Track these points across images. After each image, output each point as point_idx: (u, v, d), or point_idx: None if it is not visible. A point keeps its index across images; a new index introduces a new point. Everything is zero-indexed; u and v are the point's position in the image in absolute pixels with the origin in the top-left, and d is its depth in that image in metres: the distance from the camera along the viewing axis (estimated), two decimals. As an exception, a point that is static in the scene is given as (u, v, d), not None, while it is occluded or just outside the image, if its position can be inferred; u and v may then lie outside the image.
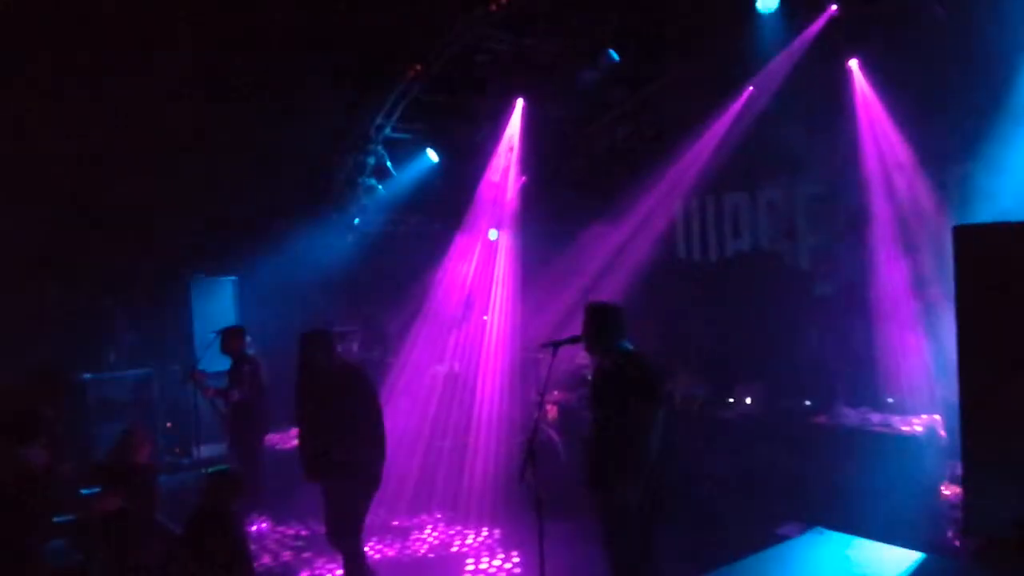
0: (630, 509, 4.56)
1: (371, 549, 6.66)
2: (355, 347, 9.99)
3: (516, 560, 6.33)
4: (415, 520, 7.40)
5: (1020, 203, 6.12)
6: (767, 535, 6.40)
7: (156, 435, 6.61)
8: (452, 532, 7.09)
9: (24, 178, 8.18)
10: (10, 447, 4.98)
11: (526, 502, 6.26)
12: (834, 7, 7.59)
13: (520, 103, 9.68)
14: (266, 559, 6.64)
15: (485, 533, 6.92)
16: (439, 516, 7.50)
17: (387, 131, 9.55)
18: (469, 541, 6.85)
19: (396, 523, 7.30)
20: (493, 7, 7.69)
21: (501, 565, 6.31)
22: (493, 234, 10.42)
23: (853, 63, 7.93)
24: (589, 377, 5.06)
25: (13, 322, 8.36)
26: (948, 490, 6.40)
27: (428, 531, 7.17)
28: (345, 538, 5.37)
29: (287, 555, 6.72)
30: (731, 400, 7.64)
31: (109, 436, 6.88)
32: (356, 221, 9.90)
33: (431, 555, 6.66)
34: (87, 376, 8.96)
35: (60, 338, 8.68)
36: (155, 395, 9.41)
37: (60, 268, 8.92)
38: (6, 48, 7.67)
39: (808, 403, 7.42)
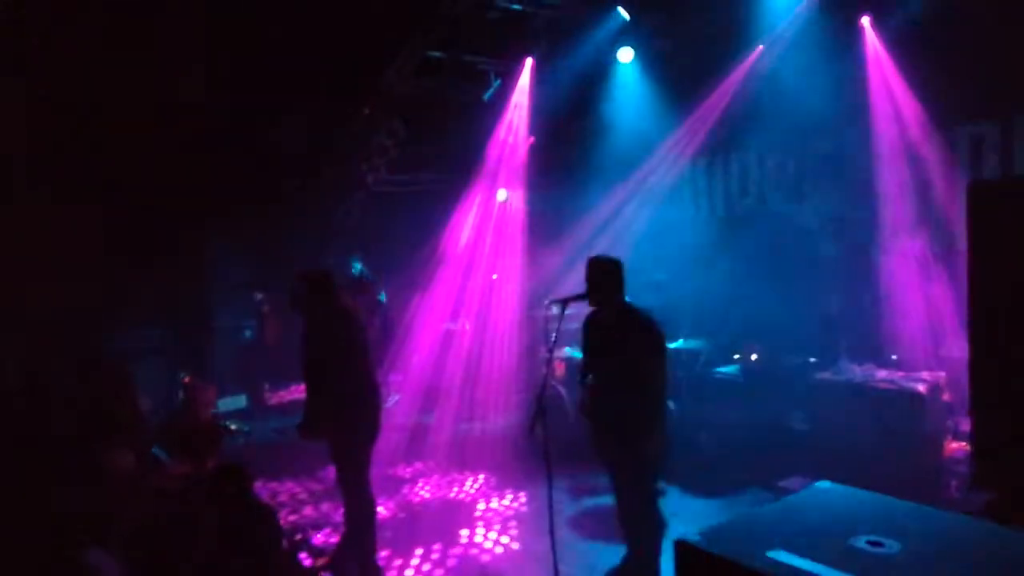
0: (653, 458, 4.69)
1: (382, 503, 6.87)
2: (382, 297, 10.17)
3: (523, 500, 6.57)
4: (415, 468, 7.62)
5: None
6: (771, 487, 6.60)
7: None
8: (454, 480, 7.32)
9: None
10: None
11: (530, 455, 6.49)
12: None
13: (529, 62, 9.67)
14: (285, 512, 6.82)
15: (482, 478, 7.11)
16: (444, 465, 7.71)
17: (397, 90, 9.55)
18: (469, 486, 7.06)
19: (397, 473, 7.52)
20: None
21: (510, 504, 6.55)
22: (502, 194, 10.49)
23: (865, 20, 7.87)
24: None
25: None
26: (953, 445, 6.53)
27: (425, 483, 7.38)
28: (346, 486, 5.34)
29: (308, 509, 6.90)
30: (736, 356, 7.75)
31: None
32: (369, 179, 9.95)
33: (444, 500, 6.86)
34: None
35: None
36: (171, 347, 9.56)
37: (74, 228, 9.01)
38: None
39: (813, 360, 7.52)
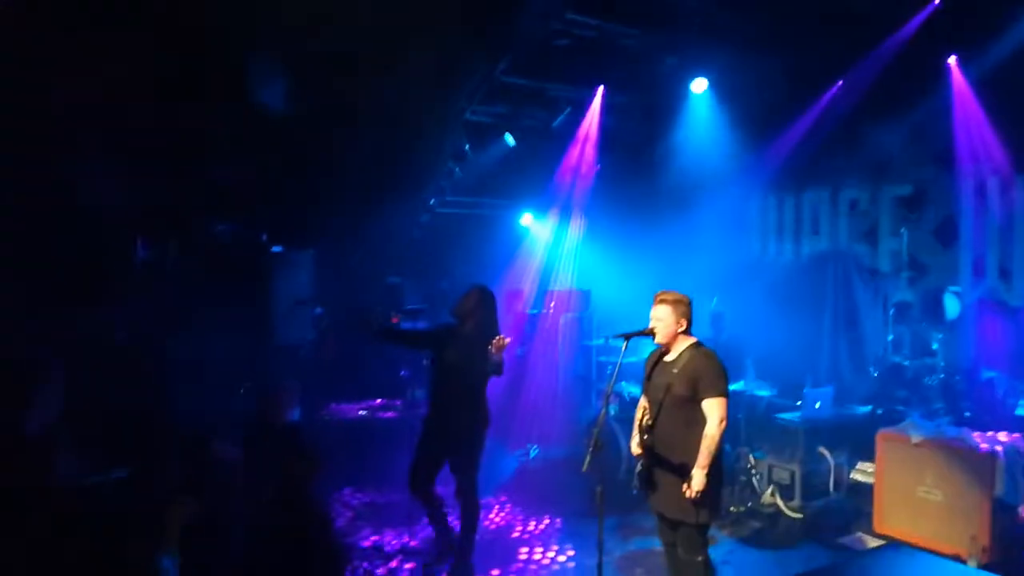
0: (707, 503, 4.53)
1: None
2: (420, 326, 10.19)
3: (571, 553, 6.37)
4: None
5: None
6: (826, 543, 6.34)
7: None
8: (515, 516, 7.21)
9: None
10: None
11: (582, 492, 6.36)
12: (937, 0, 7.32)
13: (600, 90, 9.62)
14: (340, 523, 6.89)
15: (547, 522, 6.99)
16: (504, 498, 7.61)
17: (467, 115, 9.62)
18: (531, 528, 6.93)
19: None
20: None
21: (555, 556, 6.38)
22: (527, 219, 10.47)
23: (952, 60, 7.61)
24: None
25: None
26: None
27: (495, 512, 7.30)
28: (470, 491, 5.71)
29: (353, 520, 6.93)
30: (799, 403, 7.50)
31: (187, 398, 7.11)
32: (432, 202, 10.03)
33: (490, 536, 6.76)
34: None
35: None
36: (232, 362, 9.74)
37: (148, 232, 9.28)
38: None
39: (880, 411, 7.23)
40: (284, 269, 9.96)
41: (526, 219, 10.62)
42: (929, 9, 7.45)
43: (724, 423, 4.44)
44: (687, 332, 4.64)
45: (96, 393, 7.44)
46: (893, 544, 5.40)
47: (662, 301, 4.66)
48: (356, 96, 9.06)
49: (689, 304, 4.67)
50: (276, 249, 10.02)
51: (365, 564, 6.02)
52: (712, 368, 4.51)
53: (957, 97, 7.63)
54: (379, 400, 11.48)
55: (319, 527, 4.79)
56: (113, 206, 7.99)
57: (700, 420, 4.46)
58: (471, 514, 5.77)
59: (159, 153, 8.47)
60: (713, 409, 4.43)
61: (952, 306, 7.64)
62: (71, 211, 7.67)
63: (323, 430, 10.24)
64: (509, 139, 9.85)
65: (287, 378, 8.70)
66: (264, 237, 9.96)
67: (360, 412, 11.11)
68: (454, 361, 5.72)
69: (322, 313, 10.47)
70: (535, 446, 8.54)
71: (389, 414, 10.95)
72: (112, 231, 8.25)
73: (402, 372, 10.25)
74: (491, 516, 7.16)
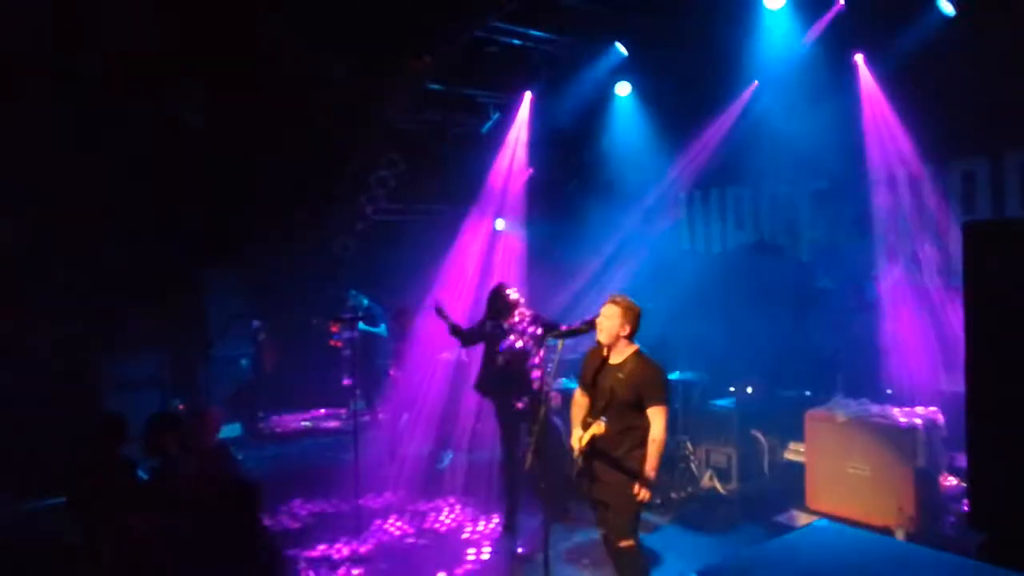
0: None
1: (380, 529, 6.87)
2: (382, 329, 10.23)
3: (519, 551, 6.45)
4: (426, 504, 7.56)
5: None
6: (764, 522, 6.60)
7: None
8: (464, 517, 7.25)
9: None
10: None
11: (527, 487, 6.47)
12: (841, 2, 7.70)
13: (528, 95, 9.80)
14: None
15: (496, 520, 7.06)
16: (452, 500, 7.65)
17: (397, 123, 9.67)
18: (480, 528, 7.00)
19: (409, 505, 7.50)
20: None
21: (502, 555, 6.45)
22: (500, 224, 10.56)
23: (859, 57, 8.01)
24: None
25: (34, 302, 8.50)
26: (947, 481, 6.53)
27: (446, 514, 7.34)
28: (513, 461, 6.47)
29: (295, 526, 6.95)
30: (731, 389, 7.78)
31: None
32: (369, 211, 10.02)
33: (440, 537, 6.81)
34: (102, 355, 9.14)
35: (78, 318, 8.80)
36: (168, 377, 9.57)
37: (73, 256, 9.06)
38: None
39: (808, 393, 7.55)
40: (217, 283, 9.87)
41: (499, 223, 10.64)
42: (834, 10, 7.84)
43: (666, 429, 4.67)
44: (630, 339, 4.79)
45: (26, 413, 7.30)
46: (821, 520, 5.64)
47: (615, 302, 4.77)
48: (282, 106, 9.03)
49: (639, 315, 4.78)
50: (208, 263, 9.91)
51: (311, 573, 6.02)
52: (657, 378, 4.70)
53: (864, 93, 8.03)
54: (323, 410, 11.43)
55: (261, 544, 4.76)
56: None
57: (640, 422, 4.66)
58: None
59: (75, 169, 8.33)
60: (657, 416, 4.63)
61: (870, 291, 8.03)
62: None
63: (267, 441, 10.16)
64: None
65: (221, 394, 8.71)
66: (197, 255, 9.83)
67: (303, 423, 11.02)
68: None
69: (259, 326, 10.38)
70: (450, 452, 8.65)
71: (333, 424, 10.92)
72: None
73: (344, 381, 10.21)
74: (440, 518, 7.21)
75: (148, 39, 7.75)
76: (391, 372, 9.21)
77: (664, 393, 4.69)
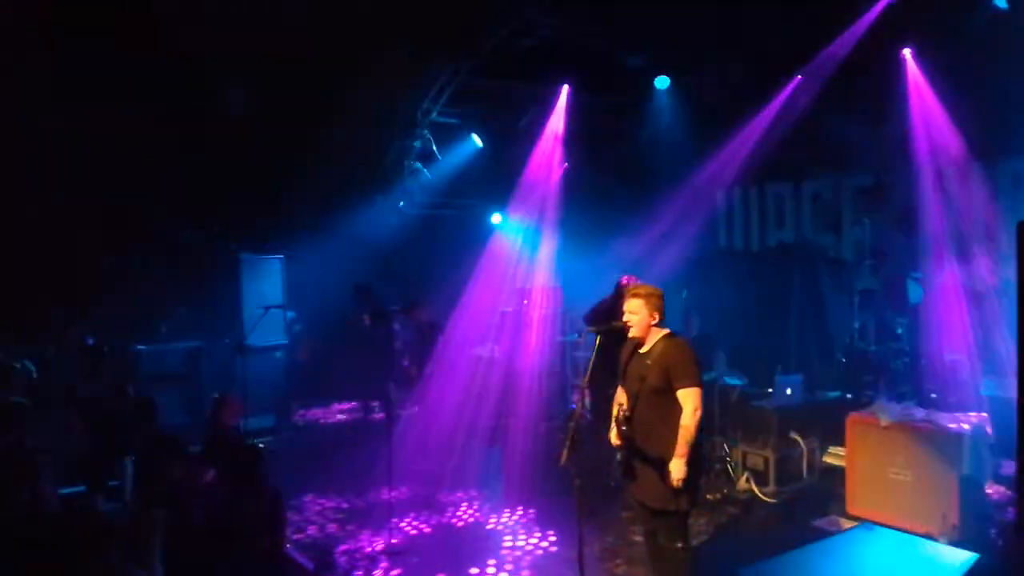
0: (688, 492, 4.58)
1: (409, 524, 6.82)
2: (396, 327, 10.17)
3: (553, 539, 6.41)
4: (452, 497, 7.52)
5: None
6: (804, 526, 6.45)
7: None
8: (488, 510, 7.20)
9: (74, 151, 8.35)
10: None
11: (562, 484, 6.38)
12: (890, -6, 7.52)
13: (565, 89, 9.71)
14: (312, 530, 6.83)
15: (520, 512, 7.02)
16: (475, 494, 7.61)
17: (433, 116, 9.64)
18: (504, 519, 6.96)
19: (437, 499, 7.46)
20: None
21: (537, 543, 6.40)
22: (497, 218, 10.53)
23: (907, 52, 7.81)
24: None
25: (66, 294, 8.64)
26: (991, 489, 6.35)
27: (464, 508, 7.29)
28: None
29: (332, 527, 6.89)
30: (770, 390, 7.63)
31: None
32: (401, 204, 10.02)
33: (469, 531, 6.77)
34: (139, 347, 9.26)
35: (113, 309, 8.92)
36: (203, 367, 9.66)
37: (114, 242, 9.18)
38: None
39: (849, 396, 7.39)
40: (253, 275, 9.93)
41: (495, 218, 10.64)
42: (882, 3, 7.64)
43: (699, 412, 4.47)
44: (660, 324, 4.69)
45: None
46: (865, 525, 5.50)
47: (635, 295, 4.68)
48: (321, 100, 9.07)
49: (661, 296, 4.69)
50: (244, 256, 9.97)
51: (345, 564, 6.01)
52: (685, 358, 4.55)
53: (913, 89, 7.83)
54: (355, 403, 11.43)
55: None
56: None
57: (676, 410, 4.48)
58: None
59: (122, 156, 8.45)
60: (688, 399, 4.46)
61: (915, 292, 7.84)
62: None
63: (300, 432, 10.20)
64: (476, 140, 9.90)
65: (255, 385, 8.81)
66: (233, 245, 9.92)
67: (337, 416, 11.05)
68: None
69: (294, 317, 10.43)
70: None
71: (373, 416, 10.90)
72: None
73: (375, 374, 10.20)
74: (461, 511, 7.16)
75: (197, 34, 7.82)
76: (405, 364, 9.20)
77: (694, 374, 4.50)
